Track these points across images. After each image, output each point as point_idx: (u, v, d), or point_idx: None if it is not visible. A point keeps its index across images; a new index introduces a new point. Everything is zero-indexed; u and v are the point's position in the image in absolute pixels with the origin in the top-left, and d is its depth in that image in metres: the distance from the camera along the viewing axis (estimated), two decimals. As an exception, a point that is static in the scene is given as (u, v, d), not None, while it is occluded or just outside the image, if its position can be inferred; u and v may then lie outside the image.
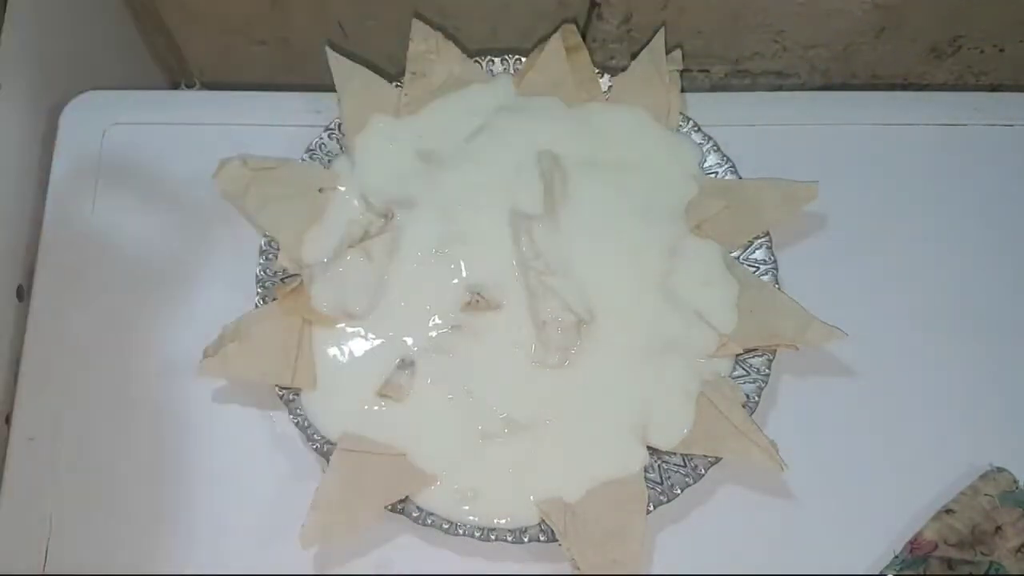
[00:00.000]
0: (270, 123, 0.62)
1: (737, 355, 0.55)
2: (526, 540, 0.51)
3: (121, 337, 0.57)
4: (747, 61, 0.68)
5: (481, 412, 0.53)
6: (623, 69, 0.61)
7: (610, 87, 0.61)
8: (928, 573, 0.53)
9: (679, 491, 0.52)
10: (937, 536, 0.53)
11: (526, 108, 0.59)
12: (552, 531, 0.50)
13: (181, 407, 0.56)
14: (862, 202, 0.62)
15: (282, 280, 0.55)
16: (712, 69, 0.69)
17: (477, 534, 0.51)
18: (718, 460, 0.52)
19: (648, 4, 0.62)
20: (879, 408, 0.57)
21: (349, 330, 0.54)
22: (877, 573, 0.53)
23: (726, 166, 0.59)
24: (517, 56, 0.61)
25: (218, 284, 0.58)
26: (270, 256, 0.56)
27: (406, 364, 0.54)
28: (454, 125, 0.59)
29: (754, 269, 0.57)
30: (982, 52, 0.68)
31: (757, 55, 0.67)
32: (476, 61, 0.61)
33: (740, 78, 0.70)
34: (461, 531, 0.51)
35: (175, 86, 0.77)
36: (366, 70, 0.59)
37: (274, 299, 0.54)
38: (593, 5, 0.62)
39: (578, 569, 0.49)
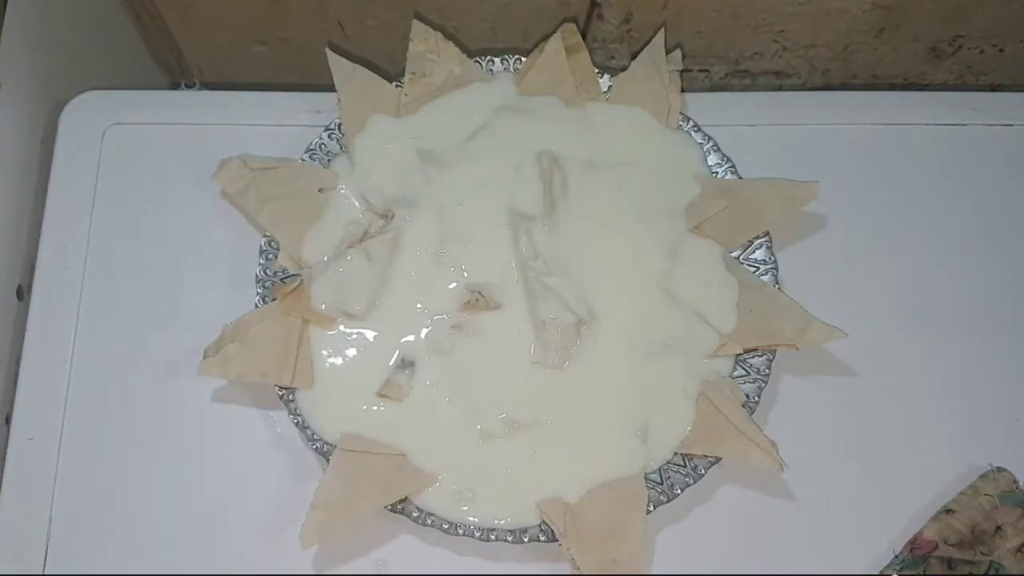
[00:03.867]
0: (270, 123, 0.62)
1: (737, 355, 0.55)
2: (526, 540, 0.51)
3: (121, 337, 0.57)
4: (747, 61, 0.68)
5: (481, 412, 0.53)
6: (623, 69, 0.61)
7: (610, 87, 0.61)
8: (928, 573, 0.53)
9: (679, 491, 0.52)
10: (937, 536, 0.53)
11: (526, 108, 0.59)
12: (552, 531, 0.50)
13: (181, 407, 0.56)
14: (862, 202, 0.62)
15: (282, 280, 0.55)
16: (712, 69, 0.69)
17: (477, 534, 0.51)
18: (718, 460, 0.52)
19: (648, 4, 0.62)
20: (879, 408, 0.57)
21: (349, 330, 0.54)
22: (877, 573, 0.53)
23: (726, 166, 0.59)
24: (517, 56, 0.61)
25: (218, 284, 0.58)
26: (270, 256, 0.56)
27: (406, 364, 0.54)
28: (454, 125, 0.59)
29: (754, 269, 0.57)
30: (982, 52, 0.68)
31: (757, 55, 0.67)
32: (476, 61, 0.61)
33: (740, 78, 0.70)
34: (461, 531, 0.51)
35: (175, 86, 0.77)
36: (366, 70, 0.59)
37: (274, 299, 0.54)
38: (593, 5, 0.62)
39: (578, 569, 0.49)
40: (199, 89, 0.77)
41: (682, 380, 0.54)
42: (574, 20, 0.62)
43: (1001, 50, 0.67)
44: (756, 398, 0.54)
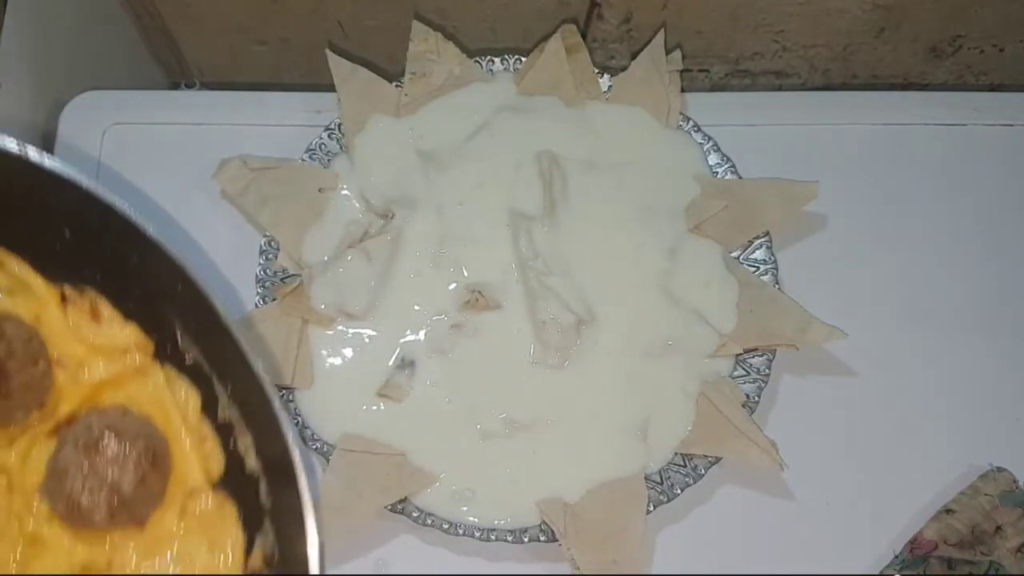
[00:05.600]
0: (270, 123, 0.61)
1: (737, 355, 0.55)
2: (526, 540, 0.51)
3: (121, 337, 0.57)
4: (747, 61, 0.68)
5: (481, 412, 0.53)
6: (623, 69, 0.61)
7: (610, 87, 0.61)
8: (928, 573, 0.53)
9: (679, 491, 0.52)
10: (937, 536, 0.53)
11: (526, 108, 0.59)
12: (552, 531, 0.50)
13: (181, 407, 0.56)
14: (862, 202, 0.62)
15: (282, 280, 0.55)
16: (712, 69, 0.69)
17: (477, 534, 0.51)
18: (718, 460, 0.52)
19: (648, 4, 0.62)
20: (879, 408, 0.57)
21: (348, 330, 0.54)
22: (877, 573, 0.53)
23: (726, 166, 0.59)
24: (517, 56, 0.61)
25: (218, 284, 0.58)
26: (270, 256, 0.56)
27: (406, 364, 0.54)
28: (454, 125, 0.59)
29: (754, 269, 0.57)
30: (982, 52, 0.68)
31: (757, 55, 0.67)
32: (476, 61, 0.61)
33: (740, 78, 0.70)
34: (461, 531, 0.51)
35: (175, 86, 0.77)
36: (366, 70, 0.59)
37: (274, 299, 0.54)
38: (593, 5, 0.62)
39: (578, 569, 0.49)
40: (199, 89, 0.77)
41: (682, 380, 0.54)
42: (574, 20, 0.62)
43: (1001, 50, 0.67)
44: (756, 398, 0.54)
